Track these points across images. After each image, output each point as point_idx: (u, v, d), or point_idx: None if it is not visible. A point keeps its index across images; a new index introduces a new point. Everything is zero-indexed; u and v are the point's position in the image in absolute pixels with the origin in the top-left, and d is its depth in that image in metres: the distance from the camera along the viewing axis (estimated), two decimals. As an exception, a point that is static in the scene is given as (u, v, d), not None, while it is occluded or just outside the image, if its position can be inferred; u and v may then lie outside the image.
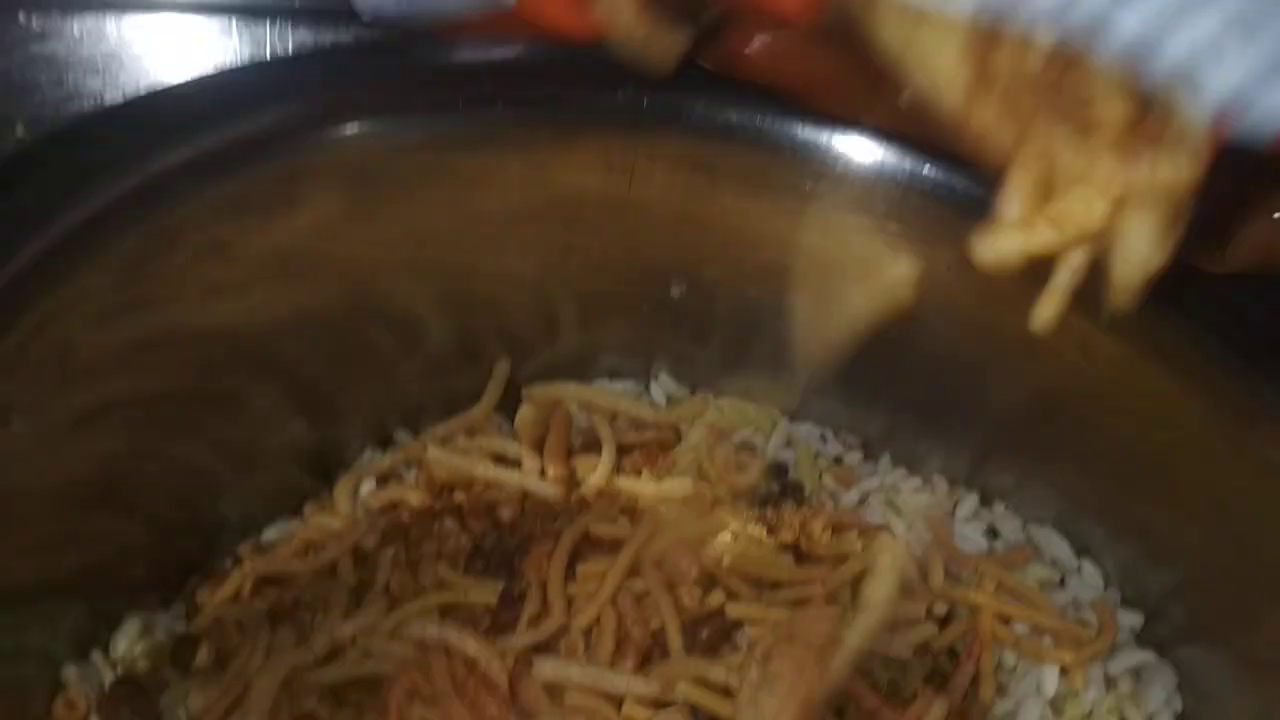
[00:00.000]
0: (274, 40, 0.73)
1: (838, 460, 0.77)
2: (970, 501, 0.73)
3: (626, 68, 0.62)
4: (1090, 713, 0.63)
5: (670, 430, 0.74)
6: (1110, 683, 0.64)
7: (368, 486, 0.71)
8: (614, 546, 0.62)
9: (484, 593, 0.61)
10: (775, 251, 0.71)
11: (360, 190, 0.63)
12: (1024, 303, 0.64)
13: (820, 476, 0.74)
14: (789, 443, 0.77)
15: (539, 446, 0.72)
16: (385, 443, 0.75)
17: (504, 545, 0.65)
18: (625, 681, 0.54)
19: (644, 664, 0.56)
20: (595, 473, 0.68)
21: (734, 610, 0.58)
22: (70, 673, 0.58)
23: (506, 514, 0.67)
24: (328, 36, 0.76)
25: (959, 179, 0.61)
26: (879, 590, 0.61)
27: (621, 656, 0.56)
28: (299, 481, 0.72)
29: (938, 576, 0.66)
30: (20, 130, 0.60)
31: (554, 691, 0.55)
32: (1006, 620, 0.65)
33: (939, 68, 0.49)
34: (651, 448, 0.72)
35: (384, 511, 0.69)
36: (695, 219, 0.70)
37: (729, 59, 0.61)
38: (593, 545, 0.63)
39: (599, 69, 0.62)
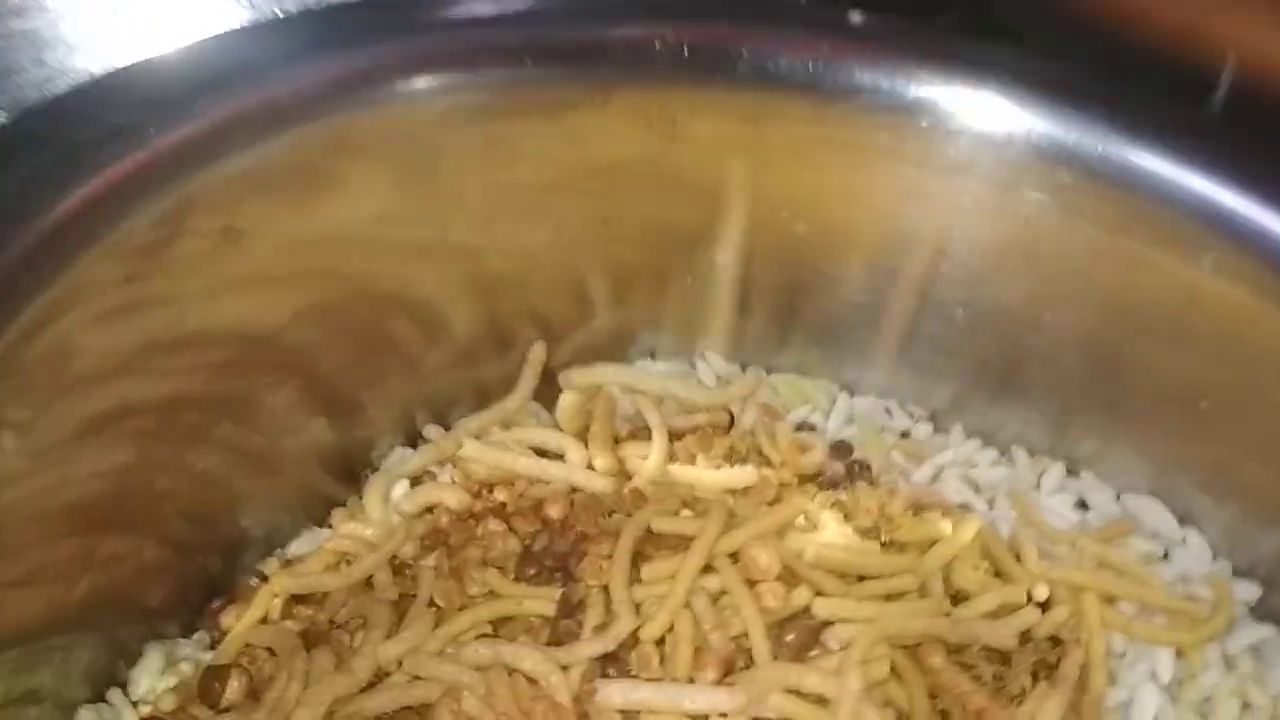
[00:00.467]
0: (272, 2, 0.67)
1: (905, 435, 0.71)
2: (1055, 472, 0.67)
3: (664, 9, 0.56)
4: (1210, 697, 0.58)
5: (723, 412, 0.68)
6: (1230, 663, 0.59)
7: (400, 489, 0.65)
8: (680, 544, 0.56)
9: (539, 601, 0.55)
10: (831, 214, 0.65)
11: (379, 166, 0.58)
12: (1104, 247, 0.60)
13: (888, 453, 0.68)
14: (850, 419, 0.71)
15: (583, 437, 0.66)
16: (415, 440, 0.69)
17: (556, 547, 0.59)
18: (709, 698, 0.48)
19: (727, 674, 0.50)
20: (648, 463, 0.62)
21: (822, 608, 0.52)
22: (86, 716, 0.52)
23: (555, 512, 0.61)
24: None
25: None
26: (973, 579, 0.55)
27: (701, 668, 0.50)
28: (324, 488, 0.67)
29: (1032, 556, 0.60)
30: (1, 117, 0.54)
31: (629, 713, 0.49)
32: (1112, 601, 0.59)
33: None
34: (705, 432, 0.66)
35: (420, 516, 0.63)
36: (742, 180, 0.64)
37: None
38: (655, 543, 0.57)
39: (635, 11, 0.56)
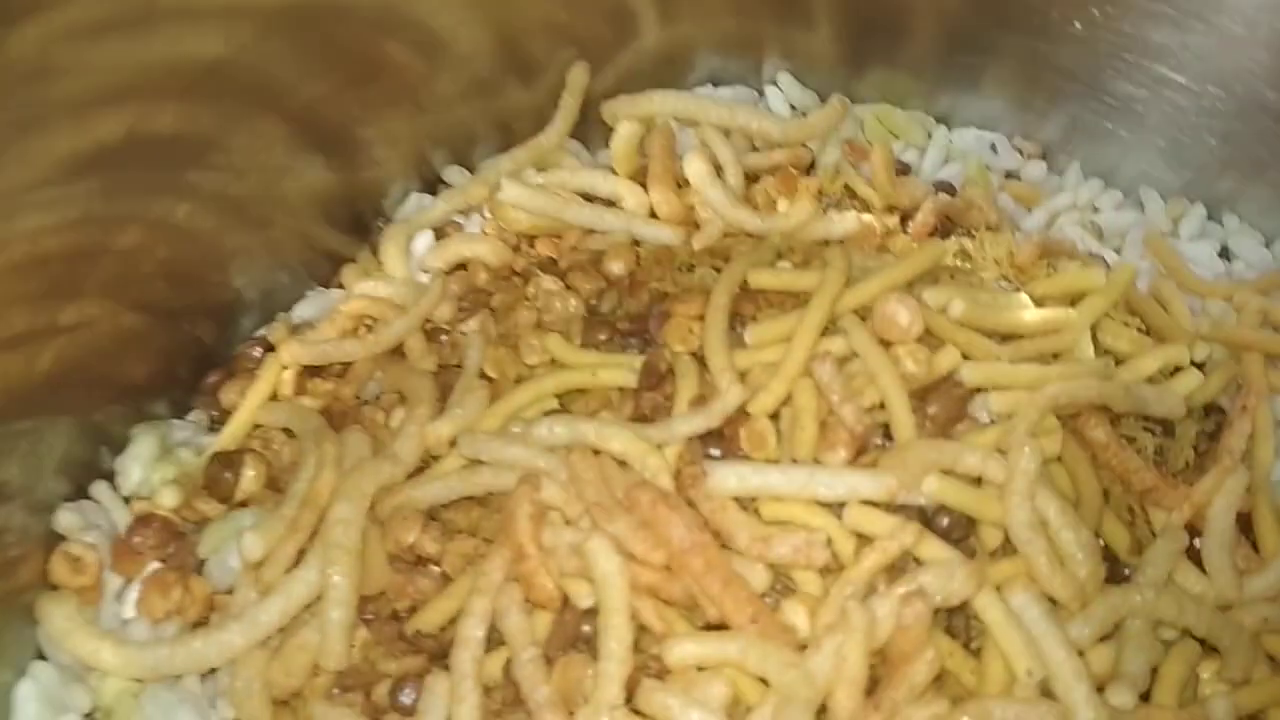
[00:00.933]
0: None
1: (1012, 175, 0.60)
2: (1195, 216, 0.58)
3: None
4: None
5: (802, 149, 0.57)
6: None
7: (423, 241, 0.54)
8: (786, 301, 0.46)
9: (618, 371, 0.45)
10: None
11: None
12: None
13: (996, 196, 0.57)
14: (949, 157, 0.60)
15: (638, 179, 0.54)
16: (434, 186, 0.58)
17: (629, 307, 0.49)
18: (850, 481, 0.39)
19: (860, 455, 0.41)
20: (723, 208, 0.51)
21: (973, 374, 0.42)
22: (67, 518, 0.42)
23: (618, 267, 0.51)
24: None
25: None
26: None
27: (830, 447, 0.41)
28: (328, 241, 0.56)
29: (1182, 312, 0.51)
30: None
31: (742, 502, 0.40)
32: (1276, 361, 0.50)
33: None
34: (786, 172, 0.55)
35: (450, 273, 0.52)
36: None
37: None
38: (754, 301, 0.46)
39: None
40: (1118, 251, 0.56)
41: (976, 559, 0.39)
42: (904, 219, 0.54)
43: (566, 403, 0.46)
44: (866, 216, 0.52)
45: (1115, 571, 0.42)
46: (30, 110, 0.39)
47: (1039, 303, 0.48)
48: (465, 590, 0.39)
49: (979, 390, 0.43)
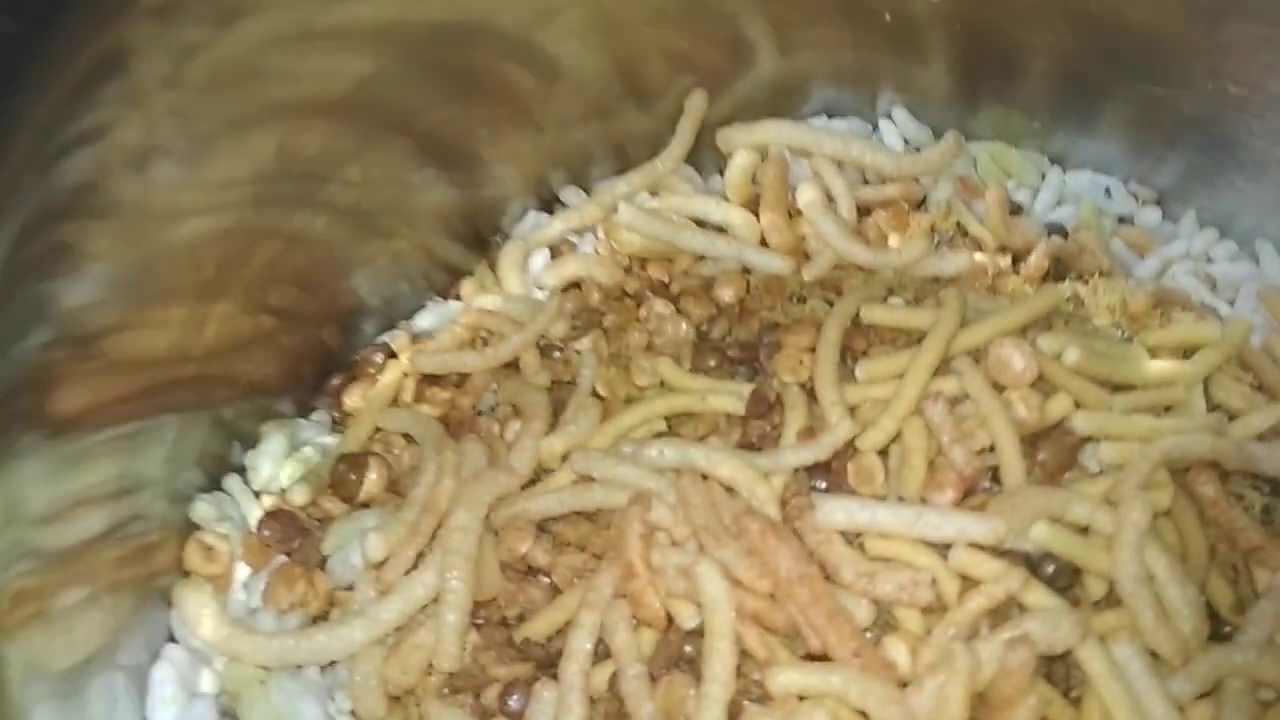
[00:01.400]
0: None
1: (1125, 220, 0.60)
2: (1313, 270, 0.57)
3: None
4: None
5: (915, 184, 0.57)
6: None
7: (539, 259, 0.56)
8: (898, 338, 0.46)
9: (727, 398, 0.46)
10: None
11: None
12: None
13: (1109, 242, 0.57)
14: (1062, 199, 0.60)
15: (750, 207, 0.56)
16: (550, 205, 0.59)
17: (740, 335, 0.50)
18: (959, 524, 0.39)
19: (967, 497, 0.42)
20: (835, 240, 0.52)
21: (1085, 423, 0.43)
22: (203, 509, 0.44)
23: (728, 295, 0.52)
24: None
25: None
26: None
27: (937, 487, 0.41)
28: (448, 254, 0.58)
29: (1294, 369, 0.50)
30: None
31: (846, 537, 0.41)
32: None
33: None
34: (898, 206, 0.56)
35: (565, 291, 0.54)
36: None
37: None
38: (864, 336, 0.47)
39: None
40: (1231, 304, 0.56)
41: (1081, 609, 0.39)
42: (1015, 260, 0.54)
43: (675, 426, 0.47)
44: (979, 256, 0.53)
45: (1217, 629, 0.42)
46: (202, 127, 0.41)
47: (1152, 353, 0.48)
48: (574, 602, 0.41)
49: (1090, 439, 0.43)
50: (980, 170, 0.61)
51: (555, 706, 0.39)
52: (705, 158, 0.60)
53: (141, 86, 0.38)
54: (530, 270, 0.56)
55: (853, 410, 0.44)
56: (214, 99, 0.41)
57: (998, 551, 0.40)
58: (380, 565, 0.42)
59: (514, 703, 0.40)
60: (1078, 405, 0.43)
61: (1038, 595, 0.39)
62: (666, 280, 0.54)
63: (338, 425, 0.50)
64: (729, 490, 0.43)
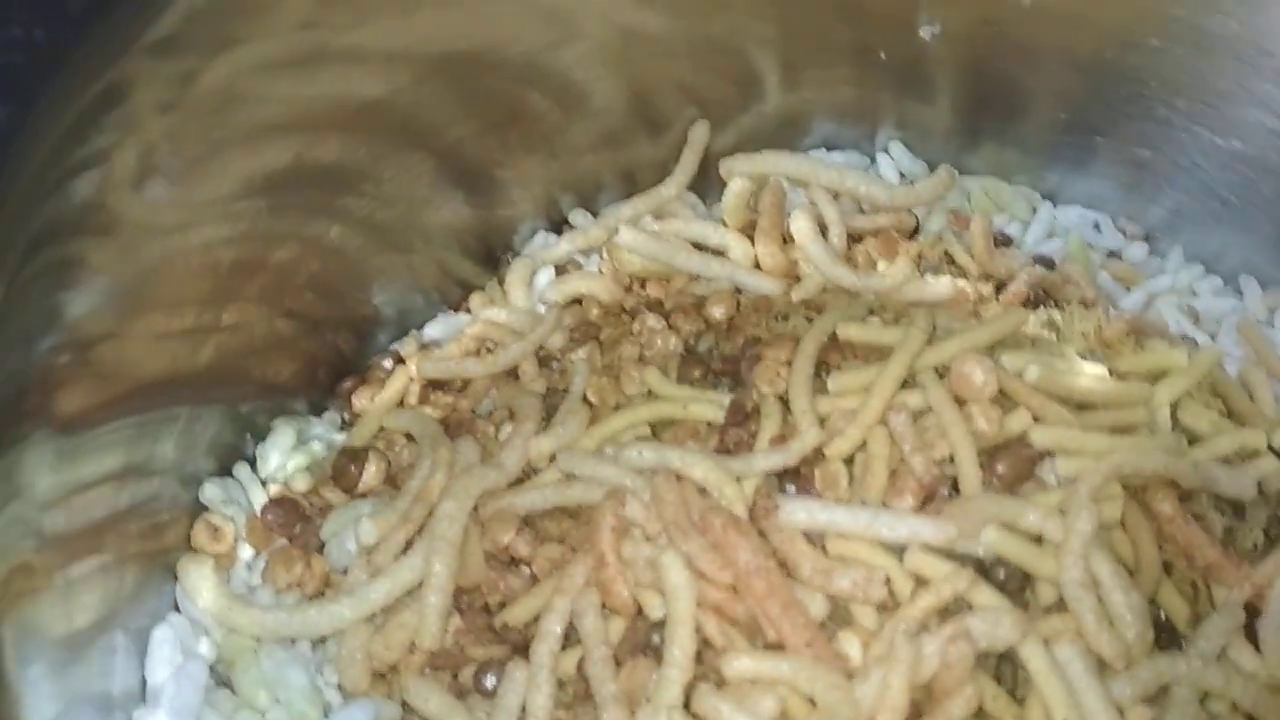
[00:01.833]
0: None
1: (1113, 255, 0.62)
2: (1292, 306, 0.58)
3: None
4: None
5: (907, 214, 0.60)
6: None
7: (545, 276, 0.59)
8: (871, 354, 0.49)
9: (707, 406, 0.49)
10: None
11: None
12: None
13: (1096, 274, 0.59)
14: (1052, 232, 0.62)
15: (747, 231, 0.58)
16: (559, 226, 0.62)
17: (724, 349, 0.52)
18: (912, 526, 0.42)
19: (926, 503, 0.44)
20: (824, 264, 0.55)
21: (1043, 437, 0.45)
22: (212, 492, 0.48)
23: (719, 312, 0.55)
24: None
25: None
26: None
27: (897, 493, 0.44)
28: (460, 269, 0.61)
29: (1266, 398, 0.52)
30: None
31: (810, 537, 0.43)
32: (1359, 454, 0.51)
33: None
34: (888, 235, 0.58)
35: (567, 306, 0.57)
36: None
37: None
38: (840, 352, 0.50)
39: None
40: (1213, 336, 0.58)
41: (1028, 610, 0.41)
42: (1000, 288, 0.57)
43: (658, 431, 0.50)
44: (960, 282, 0.55)
45: (1173, 643, 0.44)
46: (215, 136, 0.44)
47: (1121, 377, 0.50)
48: (551, 590, 0.43)
49: (1048, 454, 0.45)
50: (973, 203, 0.63)
51: (525, 685, 0.41)
52: (711, 185, 0.63)
53: (142, 113, 0.40)
54: (536, 286, 0.59)
55: (823, 420, 0.46)
56: (221, 119, 0.44)
57: (951, 554, 0.42)
58: (372, 550, 0.45)
59: (487, 681, 0.42)
60: (1038, 421, 0.45)
61: (985, 596, 0.41)
62: (662, 298, 0.57)
63: (346, 425, 0.54)
64: (702, 491, 0.45)
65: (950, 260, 0.58)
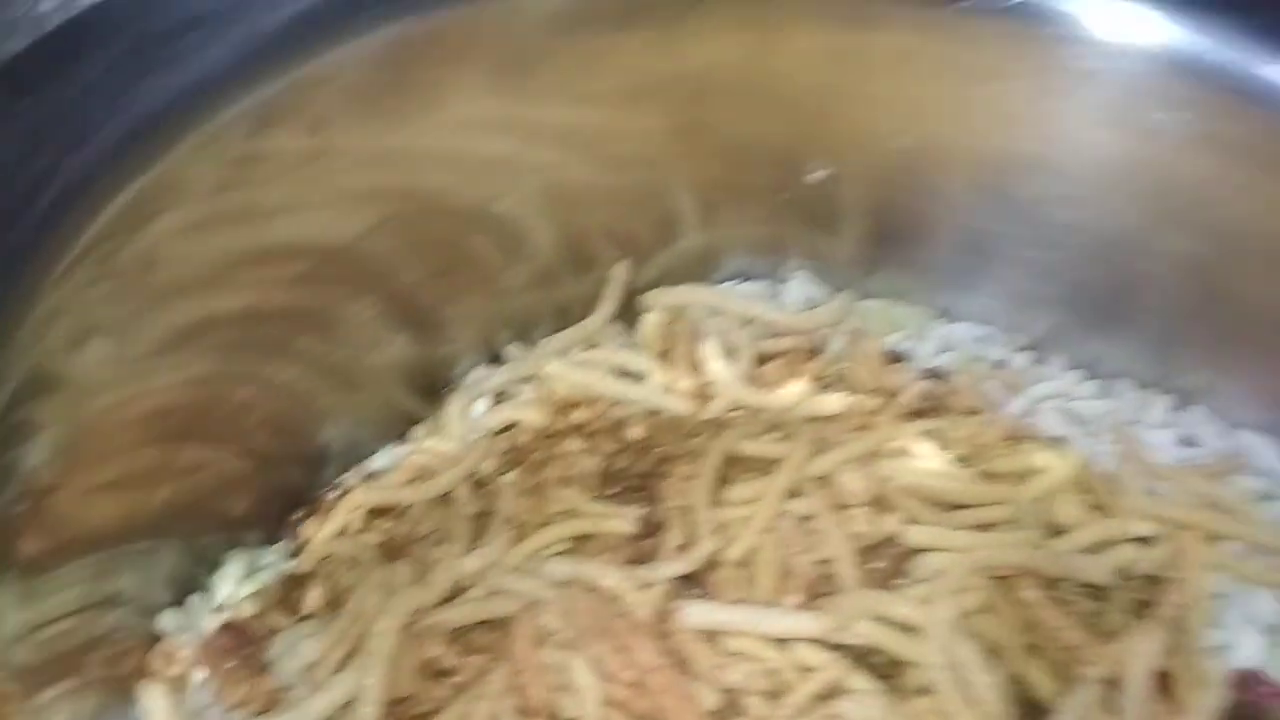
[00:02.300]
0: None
1: (1001, 364, 0.68)
2: (1160, 406, 0.64)
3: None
4: (1317, 643, 0.55)
5: (810, 337, 0.66)
6: (1340, 609, 0.55)
7: (481, 406, 0.64)
8: (766, 467, 0.54)
9: (620, 521, 0.54)
10: (936, 128, 0.62)
11: (467, 72, 0.56)
12: (1225, 169, 0.56)
13: (983, 383, 0.65)
14: (945, 347, 0.68)
15: (665, 358, 0.64)
16: (496, 359, 0.68)
17: (637, 467, 0.58)
18: (793, 621, 0.47)
19: (811, 600, 0.49)
20: (730, 386, 0.61)
21: (914, 536, 0.50)
22: (167, 620, 0.52)
23: (635, 432, 0.60)
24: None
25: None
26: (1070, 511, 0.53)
27: (784, 592, 0.49)
28: (405, 403, 0.66)
29: (1133, 492, 0.57)
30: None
31: (709, 634, 0.48)
32: (1215, 540, 0.56)
33: None
34: (791, 357, 0.64)
35: (500, 433, 0.62)
36: (842, 91, 0.61)
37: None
38: (741, 466, 0.55)
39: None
40: (1091, 437, 0.63)
41: (899, 693, 0.46)
42: (890, 401, 0.62)
43: (578, 545, 0.55)
44: (853, 397, 0.61)
45: (1042, 717, 0.48)
46: (151, 292, 0.48)
47: (995, 478, 0.55)
48: (473, 697, 0.48)
49: (920, 551, 0.50)
50: (872, 324, 0.69)
51: (450, 785, 0.45)
52: (636, 316, 0.69)
53: (81, 283, 0.45)
54: (473, 415, 0.64)
55: (722, 528, 0.52)
56: (156, 278, 0.48)
57: (831, 645, 0.47)
58: (313, 667, 0.49)
59: (416, 783, 0.46)
60: (910, 521, 0.51)
61: (860, 682, 0.45)
62: (586, 421, 0.63)
63: (296, 553, 0.58)
64: (612, 598, 0.50)
65: (847, 378, 0.64)
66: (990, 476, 0.55)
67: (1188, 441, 0.63)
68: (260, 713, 0.50)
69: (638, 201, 0.67)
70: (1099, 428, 0.63)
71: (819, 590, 0.49)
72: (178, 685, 0.51)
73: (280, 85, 0.49)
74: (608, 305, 0.68)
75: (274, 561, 0.57)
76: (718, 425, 0.59)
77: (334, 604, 0.54)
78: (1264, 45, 0.51)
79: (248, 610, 0.53)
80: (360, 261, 0.59)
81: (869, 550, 0.50)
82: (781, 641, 0.47)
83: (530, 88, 0.57)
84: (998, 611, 0.49)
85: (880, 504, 0.51)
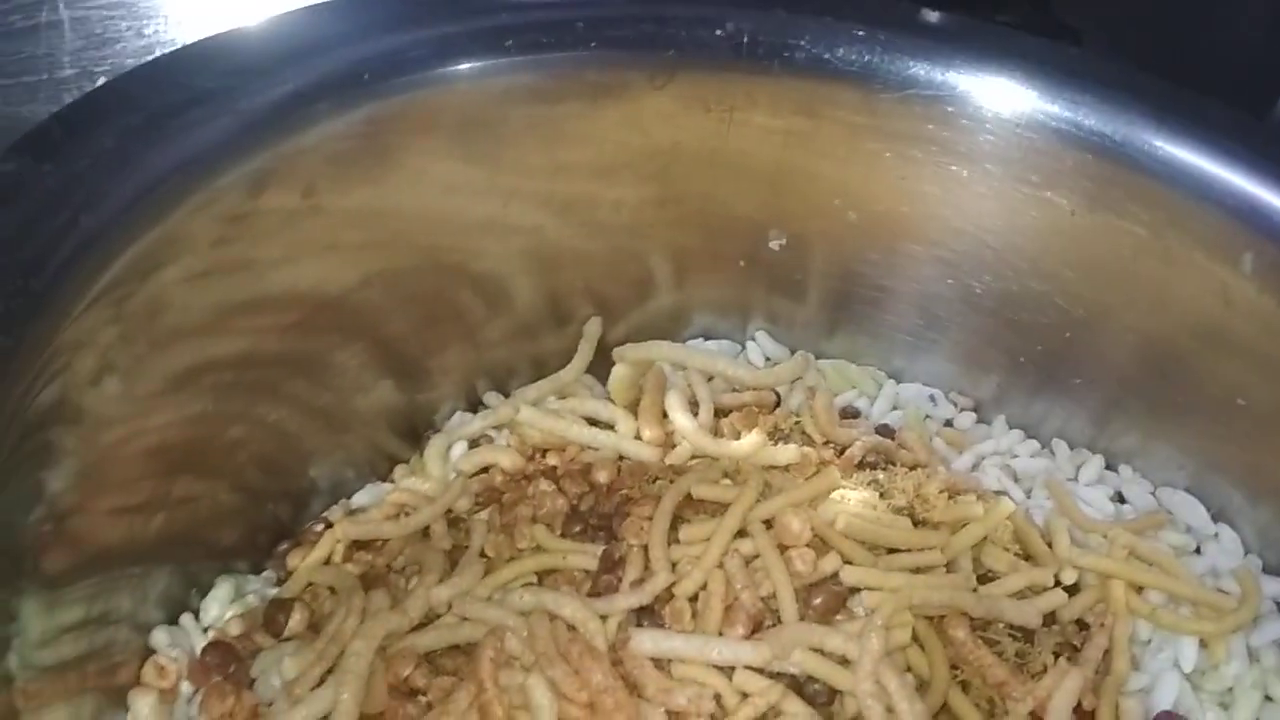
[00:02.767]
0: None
1: (948, 423, 0.73)
2: (1094, 465, 0.69)
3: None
4: (1232, 688, 0.59)
5: (769, 392, 0.70)
6: (1254, 656, 0.60)
7: (459, 449, 0.69)
8: (719, 509, 0.59)
9: (583, 557, 0.58)
10: (880, 203, 0.67)
11: (445, 142, 0.61)
12: (1144, 243, 0.61)
13: (930, 440, 0.70)
14: (895, 405, 0.73)
15: (633, 409, 0.69)
16: (476, 406, 0.73)
17: (601, 508, 0.62)
18: (735, 650, 0.51)
19: (755, 632, 0.53)
20: (691, 434, 0.65)
21: (850, 575, 0.54)
22: (160, 637, 0.56)
23: (602, 476, 0.64)
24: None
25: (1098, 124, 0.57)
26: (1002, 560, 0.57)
27: (731, 624, 0.53)
28: (389, 445, 0.70)
29: (1063, 543, 0.62)
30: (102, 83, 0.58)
31: (660, 661, 0.52)
32: (1140, 589, 0.61)
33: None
34: (751, 410, 0.69)
35: (476, 475, 0.67)
36: (797, 167, 0.66)
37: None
38: (695, 508, 0.60)
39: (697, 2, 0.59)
40: (1028, 493, 0.68)
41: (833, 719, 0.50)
42: (841, 453, 0.67)
43: (543, 578, 0.59)
44: (805, 449, 0.65)
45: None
46: (156, 336, 0.52)
47: (934, 526, 0.60)
48: (439, 715, 0.52)
49: (857, 590, 0.55)
50: (828, 381, 0.74)
51: (414, 796, 0.49)
52: (607, 368, 0.73)
53: (96, 327, 0.48)
54: (451, 457, 0.69)
55: (675, 564, 0.56)
56: (161, 324, 0.52)
57: (769, 673, 0.51)
58: (292, 683, 0.53)
59: (385, 793, 0.50)
60: (849, 563, 0.55)
61: (795, 706, 0.49)
62: (557, 465, 0.67)
63: (281, 581, 0.63)
64: (571, 627, 0.54)
65: (802, 430, 0.69)
66: (927, 524, 0.59)
67: (1118, 498, 0.68)
68: (242, 726, 0.54)
69: (612, 263, 0.72)
70: (1036, 484, 0.68)
71: (762, 623, 0.53)
72: (167, 697, 0.54)
73: (271, 154, 0.53)
74: (580, 358, 0.72)
75: (260, 587, 0.61)
76: (677, 471, 0.64)
77: (315, 627, 0.58)
78: (1163, 128, 0.56)
79: (234, 630, 0.57)
80: (349, 312, 0.63)
81: (812, 588, 0.54)
82: (725, 669, 0.51)
83: (506, 157, 0.62)
84: (929, 648, 0.54)
85: (821, 546, 0.55)
